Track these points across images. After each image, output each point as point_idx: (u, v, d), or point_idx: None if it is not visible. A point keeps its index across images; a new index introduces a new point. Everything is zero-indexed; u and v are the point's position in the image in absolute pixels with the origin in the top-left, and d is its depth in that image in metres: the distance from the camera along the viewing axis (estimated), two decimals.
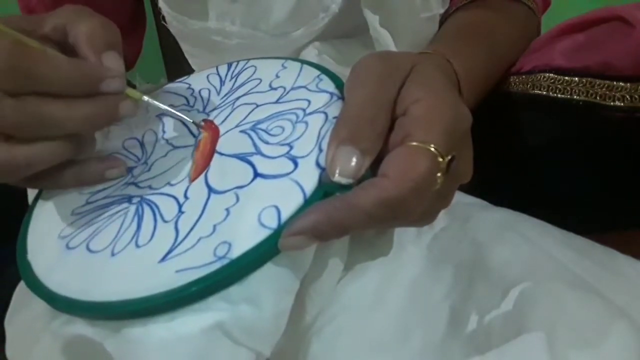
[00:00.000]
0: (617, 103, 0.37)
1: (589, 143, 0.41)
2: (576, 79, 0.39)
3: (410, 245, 0.38)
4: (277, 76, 0.36)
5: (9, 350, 0.34)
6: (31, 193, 0.42)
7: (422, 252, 0.38)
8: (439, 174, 0.26)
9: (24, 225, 0.34)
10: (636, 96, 0.36)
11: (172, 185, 0.31)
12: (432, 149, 0.25)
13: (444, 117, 0.27)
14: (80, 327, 0.28)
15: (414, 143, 0.26)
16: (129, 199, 0.32)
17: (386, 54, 0.31)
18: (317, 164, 0.28)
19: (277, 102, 0.34)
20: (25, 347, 0.33)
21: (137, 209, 0.31)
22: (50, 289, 0.28)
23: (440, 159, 0.26)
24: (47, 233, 0.32)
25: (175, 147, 0.34)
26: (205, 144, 0.33)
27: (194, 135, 0.34)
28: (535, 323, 0.30)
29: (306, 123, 0.31)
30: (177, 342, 0.26)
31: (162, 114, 0.37)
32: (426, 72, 0.29)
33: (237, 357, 0.26)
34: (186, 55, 0.55)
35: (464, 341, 0.32)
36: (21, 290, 0.37)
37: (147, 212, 0.30)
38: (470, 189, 0.36)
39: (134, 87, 0.61)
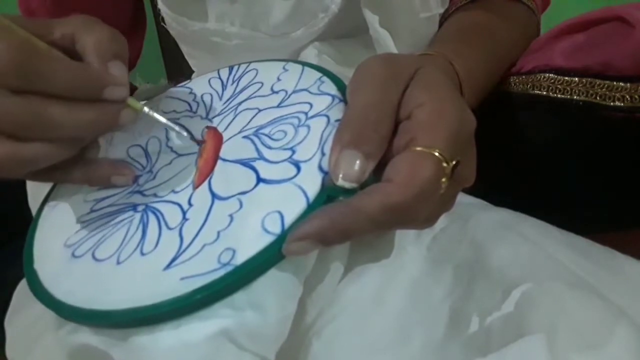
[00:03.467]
0: (617, 103, 0.37)
1: (589, 143, 0.41)
2: (576, 79, 0.39)
3: (410, 246, 0.38)
4: (279, 79, 0.36)
5: (9, 351, 0.34)
6: (31, 195, 0.42)
7: (422, 252, 0.38)
8: (443, 179, 0.26)
9: (30, 234, 0.33)
10: (636, 96, 0.36)
11: (176, 192, 0.31)
12: (437, 155, 0.25)
13: (448, 121, 0.27)
14: (87, 336, 0.28)
15: (419, 148, 0.26)
16: (133, 207, 0.32)
17: (389, 56, 0.30)
18: (320, 168, 0.28)
19: (278, 106, 0.33)
20: (25, 347, 0.33)
21: (142, 217, 0.31)
22: (56, 298, 0.28)
23: (445, 164, 0.26)
24: (53, 241, 0.32)
25: (179, 155, 0.34)
26: (208, 151, 0.33)
27: (197, 143, 0.34)
28: (535, 324, 0.30)
29: (308, 127, 0.31)
30: (184, 349, 0.26)
31: None
32: (430, 75, 0.29)
33: None
34: (186, 57, 0.55)
35: (464, 342, 0.32)
36: (21, 291, 0.37)
37: (152, 219, 0.30)
38: (470, 189, 0.36)
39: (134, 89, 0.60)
